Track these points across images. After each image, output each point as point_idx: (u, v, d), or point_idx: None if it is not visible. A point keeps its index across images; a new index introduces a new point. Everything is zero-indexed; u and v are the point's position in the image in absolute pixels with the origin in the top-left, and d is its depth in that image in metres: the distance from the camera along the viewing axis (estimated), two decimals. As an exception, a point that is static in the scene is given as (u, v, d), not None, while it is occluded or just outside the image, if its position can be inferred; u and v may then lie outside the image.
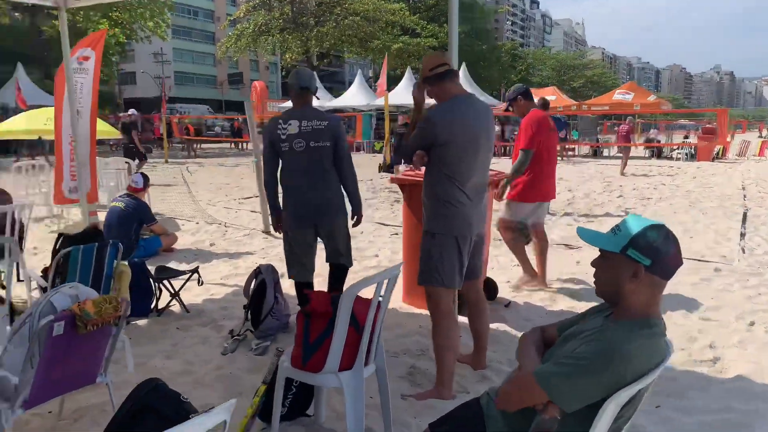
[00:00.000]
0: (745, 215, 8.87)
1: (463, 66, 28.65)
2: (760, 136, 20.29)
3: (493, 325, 4.08)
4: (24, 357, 2.30)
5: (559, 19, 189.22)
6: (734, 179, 14.61)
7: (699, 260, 6.05)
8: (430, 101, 3.21)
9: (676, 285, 5.06)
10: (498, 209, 5.36)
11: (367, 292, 2.42)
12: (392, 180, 4.41)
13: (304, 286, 3.88)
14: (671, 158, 21.98)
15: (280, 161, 3.77)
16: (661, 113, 24.28)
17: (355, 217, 3.94)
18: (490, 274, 5.30)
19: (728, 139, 22.14)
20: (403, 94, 28.98)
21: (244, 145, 31.32)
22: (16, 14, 32.97)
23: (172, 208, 9.20)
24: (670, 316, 4.37)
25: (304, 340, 2.44)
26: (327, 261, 3.96)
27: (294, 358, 2.48)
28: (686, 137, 22.62)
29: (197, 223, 8.01)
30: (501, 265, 5.92)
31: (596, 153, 24.15)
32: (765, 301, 4.68)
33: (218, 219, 8.27)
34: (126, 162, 9.56)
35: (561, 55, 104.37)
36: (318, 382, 2.47)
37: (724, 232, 7.62)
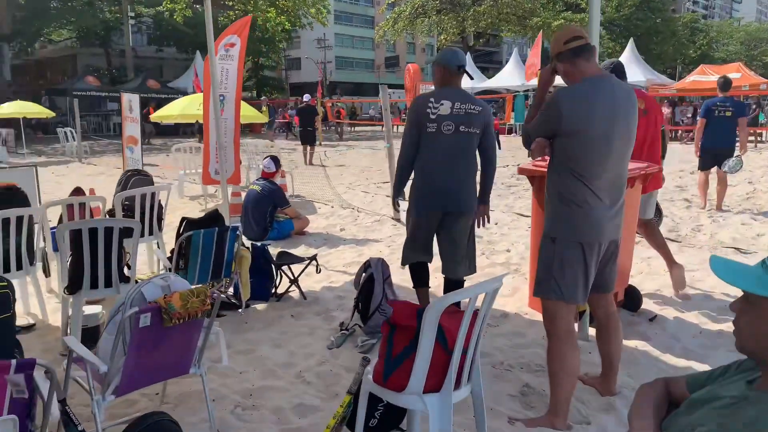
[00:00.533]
0: None
1: (630, 42, 26.32)
2: None
3: (630, 343, 3.52)
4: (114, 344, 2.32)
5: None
6: None
7: None
8: (559, 82, 2.76)
9: None
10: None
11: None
12: (520, 171, 3.97)
13: (418, 268, 3.66)
14: None
15: (421, 142, 3.50)
16: None
17: (481, 208, 3.61)
18: (637, 280, 4.66)
19: None
20: (509, 77, 27.50)
21: (395, 128, 31.79)
22: (197, 6, 36.31)
23: (313, 191, 9.45)
24: None
25: (387, 353, 2.19)
26: (443, 273, 3.67)
27: (376, 372, 2.24)
28: None
29: (332, 207, 8.11)
30: (653, 269, 5.15)
31: (789, 138, 20.89)
32: None
33: (352, 204, 8.29)
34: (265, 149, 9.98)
35: (752, 26, 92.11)
36: (400, 402, 2.20)
37: None
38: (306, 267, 4.61)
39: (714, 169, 7.97)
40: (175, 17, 35.06)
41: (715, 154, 7.89)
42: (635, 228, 4.02)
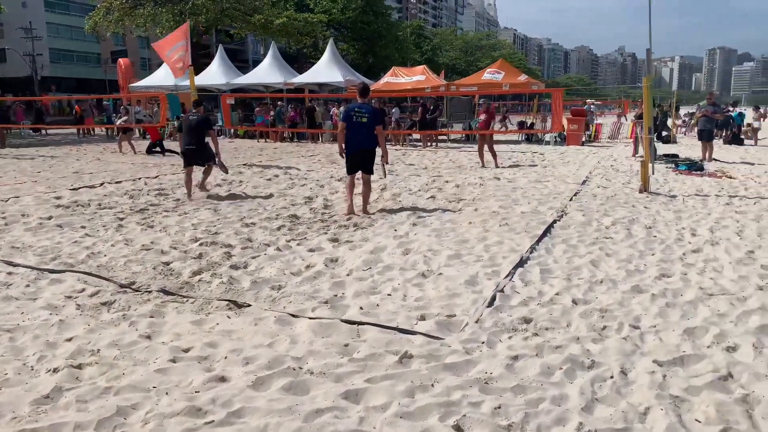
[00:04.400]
0: (549, 227, 6.85)
1: (330, 43, 26.16)
2: (634, 118, 18.81)
3: None
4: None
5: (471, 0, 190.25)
6: (586, 167, 12.92)
7: (398, 330, 3.80)
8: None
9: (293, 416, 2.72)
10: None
11: None
12: None
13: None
14: (541, 142, 20.45)
15: None
16: (531, 93, 22.76)
17: None
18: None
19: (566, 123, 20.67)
20: (266, 73, 26.17)
21: (90, 131, 27.54)
22: None
23: None
24: None
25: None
26: None
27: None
28: (558, 120, 21.06)
29: None
30: None
31: (469, 138, 22.29)
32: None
33: None
34: None
35: (468, 35, 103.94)
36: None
37: (502, 258, 5.52)
38: None
39: (359, 173, 7.82)
40: None
41: (357, 157, 7.74)
42: None
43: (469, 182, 10.57)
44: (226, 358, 3.33)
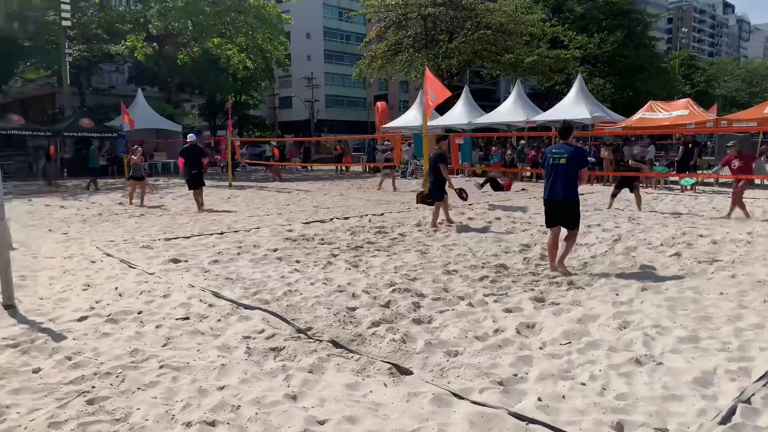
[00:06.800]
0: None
1: (579, 78, 24.67)
2: None
3: None
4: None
5: (760, 24, 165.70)
6: None
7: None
8: None
9: None
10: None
11: None
12: None
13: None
14: None
15: None
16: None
17: None
18: None
19: None
20: (509, 112, 25.81)
21: (345, 168, 30.21)
22: (155, 45, 35.72)
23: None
24: None
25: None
26: None
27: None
28: None
29: None
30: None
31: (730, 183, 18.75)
32: None
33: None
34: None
35: (755, 62, 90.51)
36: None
37: (759, 350, 4.11)
38: None
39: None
40: (136, 55, 34.71)
41: (554, 207, 6.75)
42: None
43: (732, 238, 8.59)
44: (358, 441, 2.87)
